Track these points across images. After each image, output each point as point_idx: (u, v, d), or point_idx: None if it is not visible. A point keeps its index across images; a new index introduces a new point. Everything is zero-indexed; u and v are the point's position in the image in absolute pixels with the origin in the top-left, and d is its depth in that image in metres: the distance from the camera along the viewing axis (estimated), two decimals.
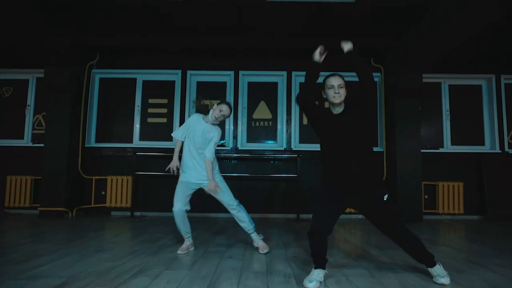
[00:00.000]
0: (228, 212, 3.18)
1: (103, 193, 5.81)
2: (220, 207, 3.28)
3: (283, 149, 5.91)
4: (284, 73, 6.06)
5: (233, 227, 4.36)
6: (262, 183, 5.87)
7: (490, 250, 3.25)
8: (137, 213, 5.67)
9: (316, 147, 5.82)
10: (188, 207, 3.07)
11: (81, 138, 5.77)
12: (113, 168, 5.85)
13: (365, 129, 2.32)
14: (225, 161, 5.85)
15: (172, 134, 3.20)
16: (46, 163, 5.40)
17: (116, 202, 5.69)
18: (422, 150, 5.60)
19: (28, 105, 6.12)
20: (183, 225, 3.04)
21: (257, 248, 3.10)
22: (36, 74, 6.13)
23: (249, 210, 3.27)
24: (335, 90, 2.25)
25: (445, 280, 2.14)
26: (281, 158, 5.87)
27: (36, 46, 5.23)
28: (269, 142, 6.10)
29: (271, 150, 5.91)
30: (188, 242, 3.11)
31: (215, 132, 3.04)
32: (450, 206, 5.71)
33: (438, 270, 2.22)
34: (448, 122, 6.10)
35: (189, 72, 6.08)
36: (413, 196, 5.39)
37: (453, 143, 6.07)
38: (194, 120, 3.10)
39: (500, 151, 5.92)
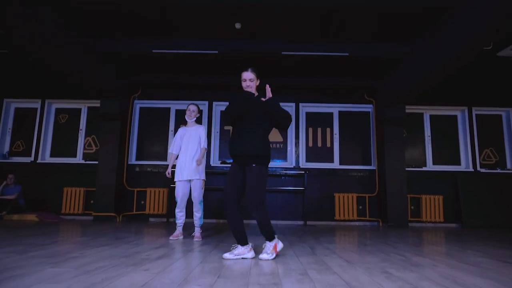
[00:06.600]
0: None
1: (142, 202, 6.98)
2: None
3: (292, 166, 7.10)
4: (293, 104, 7.33)
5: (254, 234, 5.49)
6: (274, 194, 7.04)
7: (453, 246, 4.38)
8: (171, 219, 6.83)
9: (320, 165, 7.03)
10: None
11: (126, 156, 7.00)
12: (151, 182, 7.05)
13: (264, 118, 2.88)
14: None
15: (169, 150, 4.35)
16: (99, 177, 6.61)
17: (154, 210, 6.85)
18: (407, 169, 6.80)
19: (81, 129, 7.39)
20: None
21: (192, 236, 4.15)
22: (87, 104, 7.43)
23: None
24: (247, 83, 2.95)
25: (267, 256, 2.67)
26: (290, 174, 7.05)
27: (94, 83, 6.53)
28: (280, 160, 7.31)
29: (282, 167, 7.11)
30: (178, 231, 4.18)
31: (201, 129, 4.22)
32: (432, 216, 6.84)
33: (268, 247, 2.72)
34: (430, 146, 7.31)
35: (214, 103, 7.36)
36: (399, 207, 6.54)
37: (434, 163, 7.27)
38: (181, 132, 4.25)
39: (473, 170, 7.11)
